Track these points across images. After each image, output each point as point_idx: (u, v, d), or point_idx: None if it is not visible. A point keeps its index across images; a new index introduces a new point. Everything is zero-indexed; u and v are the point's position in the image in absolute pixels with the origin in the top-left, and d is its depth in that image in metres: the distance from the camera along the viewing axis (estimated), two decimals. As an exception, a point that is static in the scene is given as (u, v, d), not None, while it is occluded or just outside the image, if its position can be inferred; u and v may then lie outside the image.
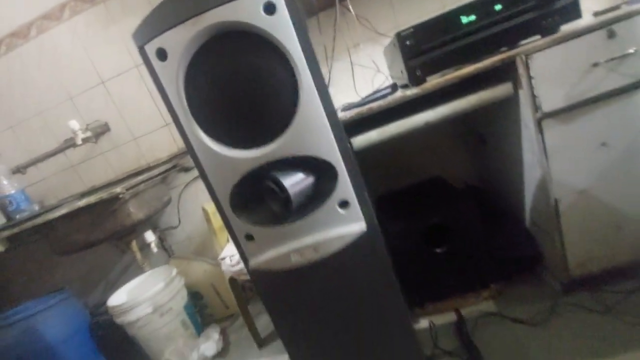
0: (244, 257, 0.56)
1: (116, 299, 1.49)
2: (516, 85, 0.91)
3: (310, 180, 0.49)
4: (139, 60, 0.78)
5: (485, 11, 0.88)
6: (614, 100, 0.88)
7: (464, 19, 0.88)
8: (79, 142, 1.59)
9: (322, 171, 0.49)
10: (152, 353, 1.49)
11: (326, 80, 1.47)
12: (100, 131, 1.69)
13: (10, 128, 1.75)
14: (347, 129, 0.99)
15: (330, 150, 0.47)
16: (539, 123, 0.92)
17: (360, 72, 1.51)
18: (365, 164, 1.47)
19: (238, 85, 0.48)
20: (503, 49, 0.93)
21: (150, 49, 0.54)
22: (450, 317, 1.15)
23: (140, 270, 1.61)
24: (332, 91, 0.68)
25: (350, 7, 1.37)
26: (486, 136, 1.31)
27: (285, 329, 0.66)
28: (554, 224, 1.00)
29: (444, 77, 0.92)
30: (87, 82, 1.63)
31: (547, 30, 0.87)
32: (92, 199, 1.34)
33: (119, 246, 1.81)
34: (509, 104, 0.99)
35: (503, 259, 1.17)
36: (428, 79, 0.95)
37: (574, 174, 0.95)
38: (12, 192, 1.64)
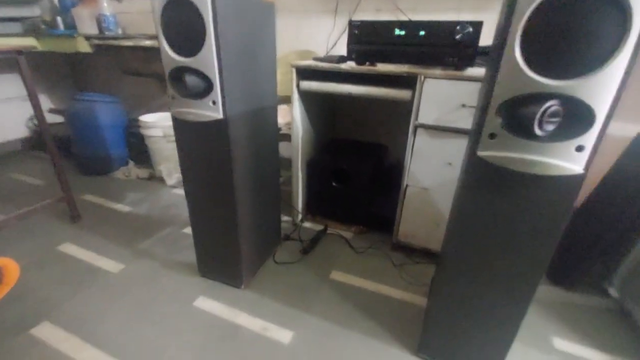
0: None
1: (145, 117, 2.17)
2: (413, 95, 1.23)
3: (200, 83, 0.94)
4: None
5: (412, 31, 1.15)
6: (463, 136, 1.18)
7: (397, 31, 1.17)
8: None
9: (209, 81, 0.94)
10: (154, 162, 2.22)
11: (332, 32, 1.79)
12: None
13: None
14: (302, 73, 1.40)
15: (211, 69, 0.91)
16: (415, 128, 1.26)
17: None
18: (343, 113, 1.88)
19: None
20: (415, 65, 1.22)
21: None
22: (320, 228, 1.68)
23: (168, 108, 2.26)
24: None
25: None
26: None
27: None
28: (401, 201, 1.40)
29: (366, 67, 1.25)
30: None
31: (447, 64, 1.14)
32: (149, 42, 1.91)
33: (162, 86, 2.46)
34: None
35: (373, 211, 1.62)
36: (358, 63, 1.28)
37: (424, 174, 1.31)
38: (107, 13, 2.25)
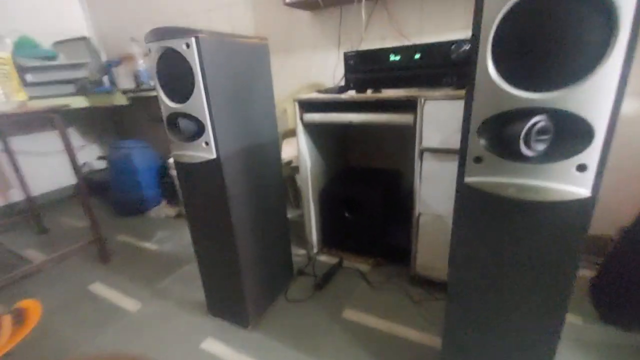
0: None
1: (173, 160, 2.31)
2: (415, 119, 1.17)
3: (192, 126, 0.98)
4: None
5: (407, 55, 1.11)
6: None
7: (392, 57, 1.14)
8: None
9: (200, 124, 0.97)
10: (182, 201, 2.33)
11: (338, 64, 1.82)
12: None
13: (150, 20, 2.56)
14: (306, 106, 1.41)
15: (202, 113, 0.94)
16: (421, 152, 1.18)
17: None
18: (355, 141, 1.86)
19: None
20: (413, 88, 1.17)
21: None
22: (335, 261, 1.60)
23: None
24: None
25: (387, 7, 1.61)
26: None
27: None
28: (414, 230, 1.30)
29: (365, 94, 1.22)
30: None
31: (446, 85, 1.08)
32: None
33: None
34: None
35: (388, 241, 1.52)
36: (358, 91, 1.26)
37: (437, 200, 1.21)
38: (141, 69, 2.51)
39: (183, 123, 0.99)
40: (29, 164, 2.36)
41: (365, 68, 1.20)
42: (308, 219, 1.61)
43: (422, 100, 1.12)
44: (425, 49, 1.08)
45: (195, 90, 0.95)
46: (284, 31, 2.00)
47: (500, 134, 0.58)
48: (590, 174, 0.54)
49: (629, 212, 1.18)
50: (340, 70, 1.84)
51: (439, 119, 1.10)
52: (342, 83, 1.31)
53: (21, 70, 2.12)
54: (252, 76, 1.12)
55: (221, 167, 1.02)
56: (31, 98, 2.14)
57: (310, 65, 1.99)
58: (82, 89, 2.55)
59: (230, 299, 1.23)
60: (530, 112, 0.54)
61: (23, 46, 2.31)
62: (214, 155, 1.01)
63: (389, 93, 1.24)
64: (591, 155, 0.53)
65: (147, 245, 1.98)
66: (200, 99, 0.95)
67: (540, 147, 0.55)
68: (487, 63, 0.56)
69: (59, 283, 1.66)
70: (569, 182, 0.55)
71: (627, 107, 1.32)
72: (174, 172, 2.22)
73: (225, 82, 1.01)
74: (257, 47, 1.12)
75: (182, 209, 2.34)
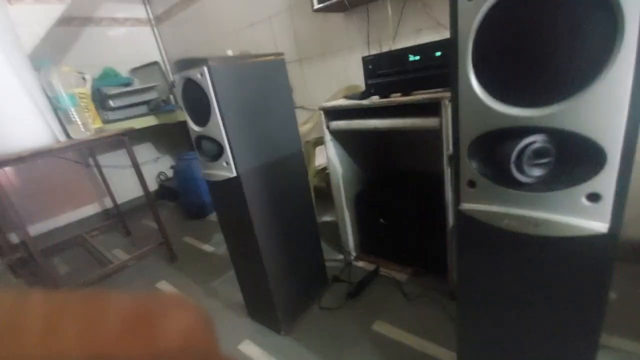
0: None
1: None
2: (441, 122, 1.07)
3: (214, 147, 1.03)
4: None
5: (427, 55, 1.01)
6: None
7: (411, 57, 1.05)
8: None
9: (220, 146, 1.02)
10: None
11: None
12: (243, 58, 2.52)
13: (206, 41, 2.79)
14: (332, 114, 1.40)
15: (220, 135, 1.02)
16: (449, 159, 1.08)
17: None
18: (390, 143, 1.78)
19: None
20: (438, 89, 1.06)
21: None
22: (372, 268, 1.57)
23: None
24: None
25: None
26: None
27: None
28: (450, 243, 1.20)
29: (387, 99, 1.16)
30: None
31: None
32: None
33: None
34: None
35: (426, 250, 1.42)
36: (381, 96, 1.19)
37: (471, 210, 1.10)
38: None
39: (205, 145, 1.07)
40: (115, 176, 2.79)
41: (385, 71, 1.13)
42: (343, 225, 1.60)
43: (446, 102, 1.01)
44: (446, 45, 0.97)
45: (212, 114, 1.01)
46: (319, 36, 2.00)
47: (493, 155, 0.50)
48: (605, 205, 0.43)
49: None
50: (375, 69, 1.77)
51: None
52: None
53: (106, 97, 2.52)
54: (269, 93, 1.15)
55: (241, 184, 1.08)
56: (111, 121, 2.52)
57: (346, 67, 1.95)
58: (156, 108, 2.91)
59: (264, 305, 1.30)
60: (523, 131, 0.45)
61: (107, 76, 2.73)
62: (234, 174, 1.07)
63: (415, 96, 1.16)
64: (605, 181, 0.42)
65: (206, 247, 2.19)
66: (217, 122, 1.01)
67: (538, 172, 0.46)
68: (469, 75, 0.48)
69: (136, 280, 1.95)
70: (579, 214, 0.45)
71: None
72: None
73: (241, 103, 1.05)
74: (272, 64, 1.15)
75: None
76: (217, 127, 1.02)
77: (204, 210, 2.67)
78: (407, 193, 1.45)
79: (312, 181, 1.84)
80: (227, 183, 1.11)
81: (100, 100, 2.50)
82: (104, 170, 2.57)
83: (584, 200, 0.44)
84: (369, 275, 1.50)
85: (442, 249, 1.32)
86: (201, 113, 1.05)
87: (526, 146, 0.45)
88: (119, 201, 2.66)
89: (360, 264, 1.65)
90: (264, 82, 1.13)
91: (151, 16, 3.17)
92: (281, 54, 1.17)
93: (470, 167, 0.53)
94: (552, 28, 0.40)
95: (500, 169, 0.49)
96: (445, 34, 1.47)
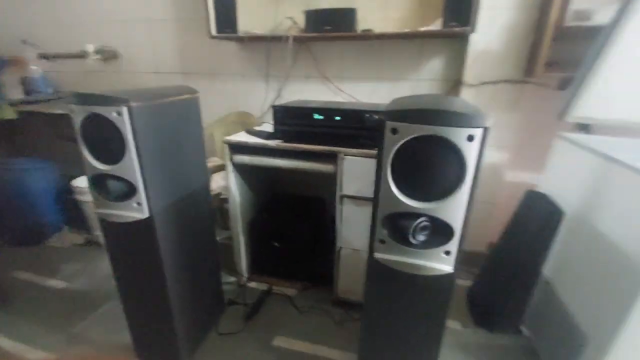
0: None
1: (79, 182, 2.10)
2: (336, 169, 1.34)
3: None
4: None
5: (329, 116, 1.28)
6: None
7: (316, 116, 1.29)
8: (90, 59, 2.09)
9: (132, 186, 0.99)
10: (90, 227, 2.13)
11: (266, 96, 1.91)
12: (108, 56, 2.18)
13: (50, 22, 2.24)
14: (236, 148, 1.47)
15: (133, 175, 0.98)
16: (341, 198, 1.37)
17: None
18: (282, 171, 1.92)
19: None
20: (334, 144, 1.35)
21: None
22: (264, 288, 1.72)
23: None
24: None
25: (311, 50, 1.75)
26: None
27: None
28: (336, 261, 1.50)
29: (292, 144, 1.36)
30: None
31: (360, 145, 1.28)
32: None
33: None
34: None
35: (314, 266, 1.70)
36: (286, 141, 1.38)
37: (354, 237, 1.42)
38: (35, 76, 2.19)
39: (113, 185, 0.98)
40: None
41: (292, 122, 1.33)
42: (238, 249, 1.69)
43: (342, 155, 1.29)
44: (344, 113, 1.26)
45: (126, 154, 0.95)
46: (210, 57, 1.99)
47: (397, 226, 0.78)
48: (452, 257, 0.77)
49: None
50: (269, 101, 1.93)
51: (357, 171, 1.29)
52: (272, 121, 1.40)
53: None
54: (183, 130, 1.15)
55: (153, 225, 1.04)
56: None
57: (237, 92, 2.02)
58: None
59: (161, 339, 1.25)
60: (417, 215, 0.75)
61: None
62: (146, 215, 1.02)
63: (313, 146, 1.39)
64: (453, 245, 0.76)
65: (53, 282, 1.80)
66: (132, 163, 0.96)
67: (422, 238, 0.76)
68: (389, 180, 0.74)
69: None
70: (440, 262, 0.78)
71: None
72: (80, 197, 2.03)
73: (157, 143, 1.02)
74: (187, 103, 1.15)
75: (91, 236, 2.15)
76: (131, 167, 0.96)
77: (42, 234, 2.14)
78: (298, 217, 1.68)
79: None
80: (134, 225, 1.04)
81: None
82: None
83: (443, 254, 0.78)
84: (263, 295, 1.65)
85: (327, 264, 1.61)
86: (109, 151, 0.96)
87: (418, 223, 0.74)
88: None
89: (253, 284, 1.77)
90: (179, 120, 1.12)
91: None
92: (196, 91, 1.19)
93: (382, 232, 0.80)
94: (434, 161, 0.70)
95: (402, 234, 0.77)
96: (328, 85, 1.79)
